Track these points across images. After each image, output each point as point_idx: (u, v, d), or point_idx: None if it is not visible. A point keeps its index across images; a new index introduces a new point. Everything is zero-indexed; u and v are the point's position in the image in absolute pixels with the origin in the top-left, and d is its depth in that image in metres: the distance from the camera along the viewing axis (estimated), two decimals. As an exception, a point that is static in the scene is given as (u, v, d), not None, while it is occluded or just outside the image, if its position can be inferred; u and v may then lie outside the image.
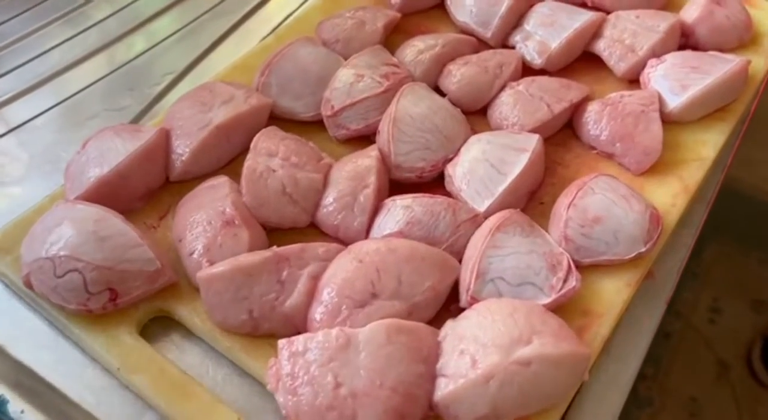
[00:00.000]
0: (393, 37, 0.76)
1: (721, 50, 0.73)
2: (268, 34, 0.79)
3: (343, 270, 0.51)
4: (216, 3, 0.84)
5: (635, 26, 0.71)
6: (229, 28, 0.81)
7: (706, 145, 0.64)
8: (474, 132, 0.65)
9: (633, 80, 0.70)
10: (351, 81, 0.65)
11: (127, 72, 0.77)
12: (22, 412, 0.49)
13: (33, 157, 0.69)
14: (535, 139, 0.60)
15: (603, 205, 0.56)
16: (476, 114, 0.68)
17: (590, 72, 0.72)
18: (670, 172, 0.62)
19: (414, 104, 0.63)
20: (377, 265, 0.51)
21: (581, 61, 0.73)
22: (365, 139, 0.65)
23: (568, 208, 0.56)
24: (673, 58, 0.68)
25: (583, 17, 0.71)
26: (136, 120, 0.71)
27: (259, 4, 0.84)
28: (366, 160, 0.59)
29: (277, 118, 0.66)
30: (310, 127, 0.66)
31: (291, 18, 0.81)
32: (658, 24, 0.70)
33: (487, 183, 0.58)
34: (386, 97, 0.64)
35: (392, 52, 0.71)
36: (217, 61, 0.77)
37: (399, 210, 0.56)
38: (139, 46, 0.81)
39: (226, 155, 0.63)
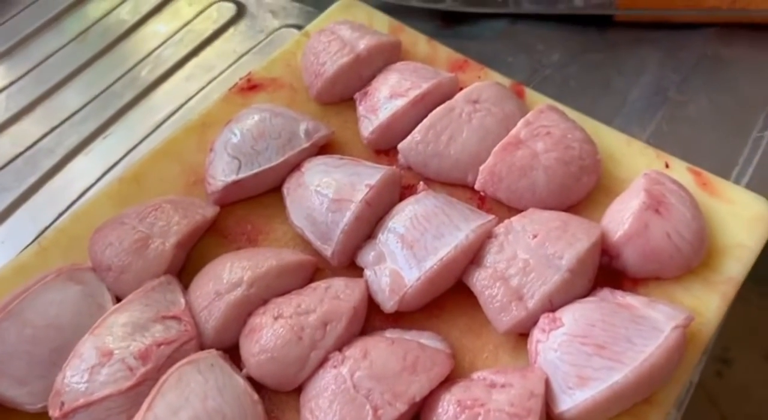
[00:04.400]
0: (206, 242, 0.55)
1: (658, 278, 0.51)
2: (33, 241, 0.58)
3: None
4: None
5: (528, 255, 0.49)
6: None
7: (611, 475, 0.43)
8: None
9: (523, 333, 0.49)
10: (93, 363, 0.45)
11: None
12: None
13: None
14: (342, 481, 0.40)
15: None
16: (290, 394, 0.48)
17: (465, 311, 0.51)
18: None
19: (173, 412, 0.43)
20: None
21: (455, 292, 0.52)
22: (120, 440, 0.45)
23: None
24: (574, 321, 0.46)
25: (457, 238, 0.50)
26: None
27: (45, 176, 0.63)
28: None
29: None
30: (45, 419, 0.46)
31: (73, 209, 0.60)
32: (561, 253, 0.48)
33: None
34: (139, 392, 0.44)
35: (195, 272, 0.51)
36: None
37: None
38: None
39: None
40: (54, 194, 0.63)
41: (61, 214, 0.61)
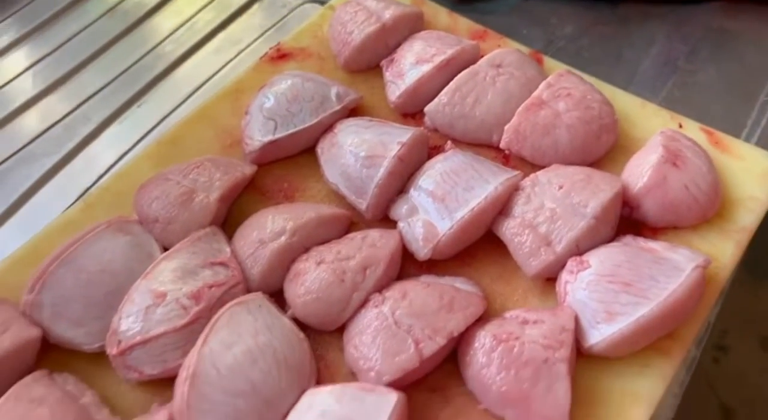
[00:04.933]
0: (245, 199, 0.58)
1: (676, 228, 0.54)
2: (77, 200, 0.61)
3: None
4: (19, 148, 0.66)
5: (555, 204, 0.52)
6: (35, 183, 0.63)
7: (638, 403, 0.46)
8: (324, 364, 0.48)
9: (550, 278, 0.52)
10: (147, 305, 0.47)
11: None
12: None
13: None
14: (390, 407, 0.43)
15: None
16: (332, 333, 0.50)
17: (495, 260, 0.54)
18: (580, 453, 0.44)
19: (227, 347, 0.45)
20: None
21: (485, 242, 0.54)
22: (171, 378, 0.47)
23: None
24: (600, 263, 0.49)
25: (486, 189, 0.52)
26: None
27: (79, 146, 0.66)
28: (144, 446, 0.42)
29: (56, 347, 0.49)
30: (101, 358, 0.49)
31: (114, 170, 0.63)
32: (586, 202, 0.51)
33: (307, 491, 0.41)
34: (193, 329, 0.47)
35: (237, 224, 0.54)
36: (10, 238, 0.59)
37: None
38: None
39: (-32, 417, 0.46)
40: (92, 159, 0.65)
41: (100, 177, 0.63)
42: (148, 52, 0.76)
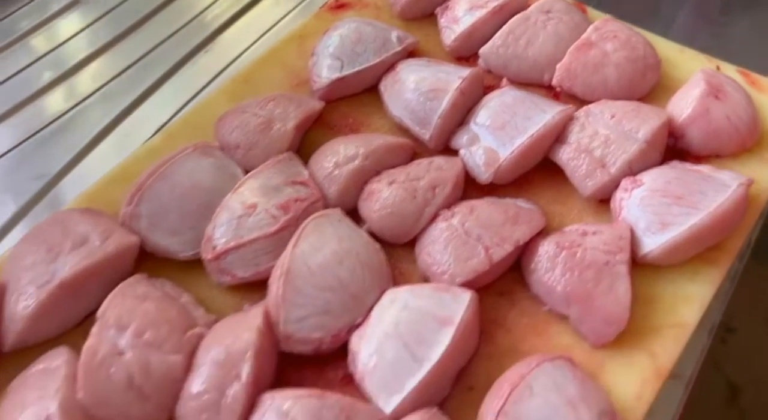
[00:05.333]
0: (314, 132, 0.62)
1: (719, 156, 0.58)
2: (158, 131, 0.65)
3: None
4: (98, 87, 0.70)
5: (608, 131, 0.56)
6: (116, 116, 0.67)
7: (690, 304, 0.50)
8: (398, 272, 0.53)
9: (604, 199, 0.56)
10: (239, 214, 0.52)
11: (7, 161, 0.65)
12: None
13: None
14: (465, 302, 0.47)
15: (541, 415, 0.42)
16: (403, 247, 0.55)
17: (551, 185, 0.58)
18: (639, 345, 0.48)
19: (315, 249, 0.49)
20: None
21: (541, 169, 0.59)
22: (261, 282, 0.52)
23: (497, 417, 0.42)
24: (652, 180, 0.53)
25: (544, 118, 0.57)
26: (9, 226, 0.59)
27: (155, 85, 0.70)
28: (244, 334, 0.46)
29: (151, 255, 0.53)
30: (193, 266, 0.53)
31: (190, 106, 0.67)
32: (637, 129, 0.55)
33: (397, 372, 0.45)
34: (282, 236, 0.51)
35: (309, 154, 0.58)
36: (95, 166, 0.63)
37: (274, 417, 0.43)
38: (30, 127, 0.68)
39: (78, 314, 0.51)
40: (166, 98, 0.69)
41: (173, 116, 0.67)
42: (203, 10, 0.80)
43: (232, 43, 0.73)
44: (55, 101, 0.71)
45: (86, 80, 0.72)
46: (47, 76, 0.74)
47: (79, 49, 0.76)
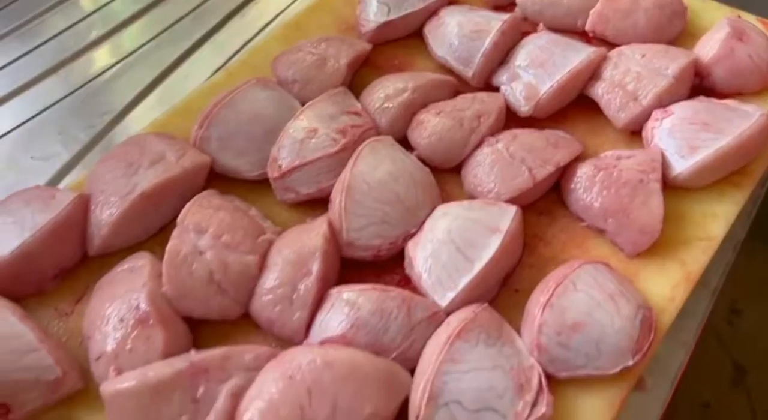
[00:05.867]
0: (363, 72, 0.67)
1: (741, 94, 0.63)
2: (219, 68, 0.70)
3: (268, 390, 0.43)
4: (162, 29, 0.74)
5: (640, 68, 0.60)
6: (177, 58, 0.72)
7: (716, 220, 0.55)
8: (445, 194, 0.57)
9: (635, 131, 0.60)
10: (302, 137, 0.56)
11: (59, 110, 0.69)
12: None
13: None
14: (512, 214, 0.51)
15: (585, 307, 0.47)
16: (449, 172, 0.59)
17: (586, 119, 0.63)
18: (670, 255, 0.53)
19: (373, 168, 0.54)
20: (309, 385, 0.43)
21: (576, 105, 0.63)
22: (320, 200, 0.56)
23: (544, 308, 0.47)
24: (682, 110, 0.58)
25: (580, 56, 0.61)
26: (62, 173, 0.63)
27: (212, 30, 0.74)
28: (312, 238, 0.51)
29: (219, 175, 0.58)
30: (257, 186, 0.58)
31: (247, 48, 0.72)
32: (666, 66, 0.60)
33: (451, 272, 0.49)
34: (342, 157, 0.55)
35: (358, 93, 0.62)
36: (159, 100, 0.68)
37: (344, 306, 0.47)
38: (79, 79, 0.72)
39: (155, 224, 0.55)
40: (220, 45, 0.73)
41: (228, 60, 0.72)
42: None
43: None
44: (102, 57, 0.74)
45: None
46: (94, 34, 0.78)
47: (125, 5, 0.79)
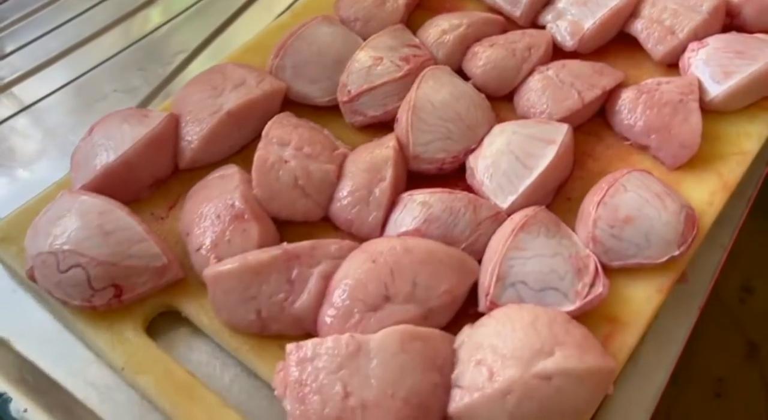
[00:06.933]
0: (416, 15, 0.72)
1: (770, 32, 0.68)
2: (284, 11, 0.75)
3: (355, 270, 0.48)
4: None
5: (676, 6, 0.65)
6: (243, 4, 0.77)
7: (750, 138, 0.60)
8: (499, 119, 0.62)
9: (672, 64, 0.66)
10: (369, 64, 0.61)
11: (138, 50, 0.74)
12: (25, 410, 0.48)
13: (42, 139, 0.67)
14: (564, 129, 0.57)
15: (635, 204, 0.52)
16: (502, 99, 0.64)
17: (626, 54, 0.68)
18: (708, 168, 0.58)
19: (435, 90, 0.59)
20: (391, 267, 0.48)
21: (616, 42, 0.68)
22: (383, 125, 0.62)
23: (597, 206, 0.52)
24: (715, 41, 0.63)
25: (620, -3, 0.66)
26: (146, 102, 0.69)
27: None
28: (383, 150, 0.56)
29: (291, 103, 0.63)
30: (326, 112, 0.63)
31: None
32: (701, 3, 0.65)
33: (511, 178, 0.55)
34: (406, 82, 0.61)
35: (414, 32, 0.67)
36: (230, 40, 0.74)
37: (416, 206, 0.53)
38: (152, 23, 0.77)
39: (238, 142, 0.60)
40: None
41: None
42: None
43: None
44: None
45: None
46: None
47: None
